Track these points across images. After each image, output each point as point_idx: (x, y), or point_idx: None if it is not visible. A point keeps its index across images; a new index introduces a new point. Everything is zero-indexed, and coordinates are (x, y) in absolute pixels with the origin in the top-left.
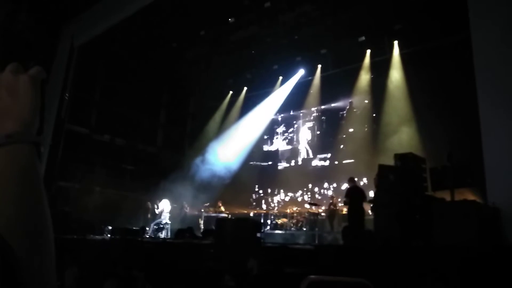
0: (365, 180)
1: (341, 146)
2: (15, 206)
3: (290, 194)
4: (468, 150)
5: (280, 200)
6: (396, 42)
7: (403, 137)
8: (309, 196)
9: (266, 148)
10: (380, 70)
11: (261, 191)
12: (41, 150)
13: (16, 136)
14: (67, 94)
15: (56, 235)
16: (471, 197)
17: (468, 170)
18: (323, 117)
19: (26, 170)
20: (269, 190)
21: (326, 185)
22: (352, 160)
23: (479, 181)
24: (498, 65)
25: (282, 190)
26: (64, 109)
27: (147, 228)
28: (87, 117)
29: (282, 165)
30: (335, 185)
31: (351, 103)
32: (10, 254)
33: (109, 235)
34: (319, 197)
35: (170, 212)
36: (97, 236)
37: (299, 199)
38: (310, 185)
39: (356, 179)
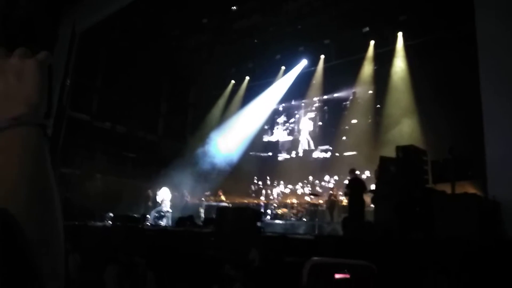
0: (367, 173)
1: (343, 138)
2: (25, 188)
3: (290, 186)
4: (470, 143)
5: (279, 192)
6: (400, 34)
7: (405, 129)
8: (310, 188)
9: (266, 138)
10: (384, 61)
11: (260, 183)
12: (48, 132)
13: (23, 118)
14: (68, 81)
15: None
16: (471, 190)
17: (470, 163)
18: (325, 108)
19: (34, 152)
20: (269, 182)
21: (327, 177)
22: (354, 153)
23: (480, 174)
24: (502, 58)
25: (282, 182)
26: (65, 96)
27: (148, 216)
28: (88, 104)
29: (282, 156)
30: (336, 177)
31: (354, 93)
32: (22, 237)
33: (110, 222)
34: (320, 190)
35: (171, 201)
36: (98, 223)
37: (299, 191)
38: (310, 177)
39: (357, 172)
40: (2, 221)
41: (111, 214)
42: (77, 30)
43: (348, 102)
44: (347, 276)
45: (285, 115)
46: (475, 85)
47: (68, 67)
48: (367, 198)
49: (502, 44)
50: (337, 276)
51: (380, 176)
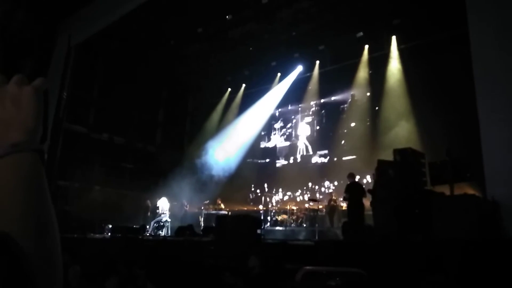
0: (368, 178)
1: (342, 142)
2: (23, 212)
3: (289, 193)
4: (467, 144)
5: (279, 200)
6: (394, 37)
7: (402, 132)
8: (309, 195)
9: (263, 144)
10: (379, 65)
11: (258, 190)
12: (45, 157)
13: (21, 145)
14: (65, 93)
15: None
16: (470, 191)
17: (467, 165)
18: (322, 111)
19: (32, 178)
20: (267, 189)
21: (326, 183)
22: (354, 157)
23: (478, 175)
24: (496, 59)
25: (280, 189)
26: (62, 108)
27: (147, 226)
28: (85, 116)
29: (280, 162)
30: (336, 183)
31: (353, 95)
32: (20, 253)
33: (109, 234)
34: (320, 196)
35: (170, 210)
36: (97, 235)
37: (298, 198)
38: (310, 184)
39: (358, 177)
40: (4, 245)
41: (110, 226)
42: (73, 42)
43: (346, 105)
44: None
45: (282, 120)
46: (470, 86)
47: (65, 79)
48: (367, 202)
49: (495, 46)
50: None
51: (378, 179)
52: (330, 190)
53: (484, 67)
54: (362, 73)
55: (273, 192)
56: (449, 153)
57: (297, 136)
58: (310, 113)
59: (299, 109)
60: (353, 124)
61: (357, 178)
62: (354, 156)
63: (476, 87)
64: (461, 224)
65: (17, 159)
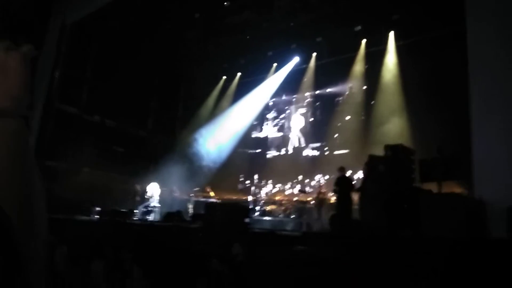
0: (361, 173)
1: (336, 135)
2: (10, 177)
3: (278, 185)
4: (458, 143)
5: (268, 192)
6: (392, 33)
7: (395, 128)
8: (299, 188)
9: (255, 134)
10: (375, 60)
11: (248, 181)
12: (30, 124)
13: (6, 111)
14: (57, 73)
15: None
16: (458, 190)
17: (457, 163)
18: (317, 103)
19: (17, 143)
20: (257, 180)
21: (317, 177)
22: (347, 151)
23: (467, 174)
24: (493, 59)
25: (270, 181)
26: (54, 88)
27: (136, 211)
28: (77, 96)
29: (271, 153)
30: (328, 177)
31: (350, 88)
32: (4, 217)
33: (97, 216)
34: (310, 190)
35: (160, 196)
36: (84, 217)
37: (288, 192)
38: (300, 177)
39: (350, 171)
40: None
41: (98, 208)
42: (68, 22)
43: (341, 98)
44: None
45: (275, 111)
46: (464, 85)
47: (58, 58)
48: (356, 196)
49: (492, 44)
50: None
51: (368, 174)
52: (321, 184)
53: (480, 66)
54: (359, 67)
55: (263, 183)
56: (440, 151)
57: (289, 127)
58: (305, 104)
59: (293, 100)
60: (348, 118)
61: (349, 173)
62: (347, 150)
63: (471, 86)
64: (448, 222)
65: (2, 125)
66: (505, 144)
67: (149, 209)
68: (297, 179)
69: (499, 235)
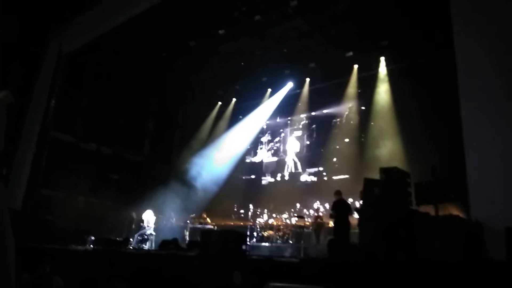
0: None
1: (334, 159)
2: None
3: (274, 215)
4: (453, 165)
5: (263, 222)
6: (383, 58)
7: (390, 151)
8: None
9: (249, 159)
10: (368, 84)
11: (242, 211)
12: (3, 171)
13: None
14: (53, 101)
15: (38, 244)
16: (455, 211)
17: (452, 185)
18: (313, 126)
19: None
20: (252, 209)
21: (316, 204)
22: (346, 176)
23: (463, 196)
24: (482, 83)
25: (266, 210)
26: (49, 116)
27: (131, 239)
28: (73, 125)
29: (266, 179)
30: (327, 205)
31: (349, 108)
32: None
33: (91, 246)
34: (309, 219)
35: (156, 223)
36: (79, 247)
37: (285, 216)
38: (298, 205)
39: (351, 200)
40: None
41: (93, 237)
42: (64, 51)
43: (338, 120)
44: None
45: (269, 134)
46: (455, 107)
47: (54, 87)
48: (353, 220)
49: (481, 67)
50: None
51: (364, 197)
52: (320, 213)
53: (470, 89)
54: (351, 91)
55: (258, 213)
56: (435, 173)
57: (285, 152)
58: (300, 126)
59: (288, 122)
60: (346, 140)
61: (350, 200)
62: (346, 176)
63: (462, 108)
64: (445, 245)
65: None
66: (499, 165)
67: (145, 237)
68: (295, 207)
69: (497, 257)
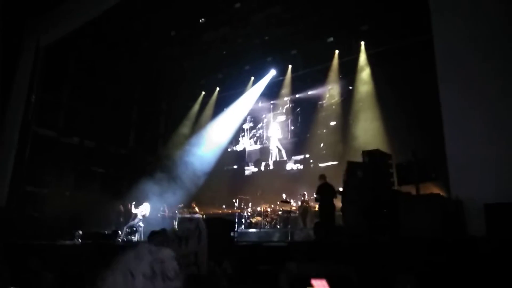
0: None
1: (321, 145)
2: None
3: (259, 209)
4: (432, 145)
5: (250, 210)
6: (363, 43)
7: (372, 134)
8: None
9: (230, 148)
10: (349, 70)
11: (229, 199)
12: None
13: None
14: (33, 96)
15: (25, 240)
16: (435, 190)
17: (432, 165)
18: (298, 109)
19: None
20: (238, 198)
21: (305, 196)
22: (335, 163)
23: (443, 175)
24: (458, 64)
25: (250, 204)
26: (30, 112)
27: (119, 232)
28: (54, 119)
29: (249, 169)
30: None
31: (333, 90)
32: None
33: (80, 240)
34: (294, 204)
35: (143, 215)
36: (67, 241)
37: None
38: (284, 195)
39: (341, 189)
40: None
41: (81, 232)
42: (43, 44)
43: (324, 102)
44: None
45: (251, 120)
46: (434, 90)
47: (33, 82)
48: (338, 202)
49: (458, 50)
50: (314, 281)
51: (348, 180)
52: (304, 193)
53: (447, 71)
54: (333, 77)
55: (242, 206)
56: (415, 154)
57: (268, 138)
58: (284, 111)
59: (271, 106)
60: (333, 123)
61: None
62: (335, 162)
63: (440, 90)
64: (427, 223)
65: None
66: (477, 143)
67: (133, 229)
68: (281, 198)
69: (477, 233)
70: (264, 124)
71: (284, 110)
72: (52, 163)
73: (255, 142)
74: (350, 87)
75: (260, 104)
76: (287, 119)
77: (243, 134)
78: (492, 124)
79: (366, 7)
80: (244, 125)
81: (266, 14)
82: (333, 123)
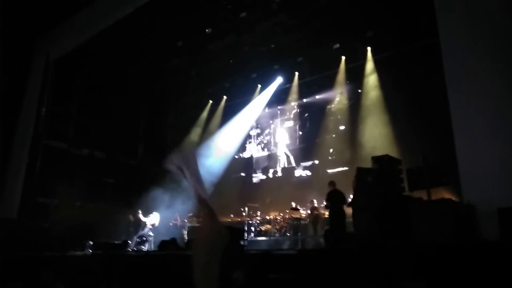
0: None
1: (331, 150)
2: None
3: (268, 217)
4: (442, 150)
5: (260, 217)
6: (369, 49)
7: (381, 140)
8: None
9: (237, 155)
10: (356, 75)
11: (239, 207)
12: None
13: None
14: (43, 109)
15: (37, 252)
16: (447, 195)
17: (443, 170)
18: (305, 114)
19: None
20: (248, 206)
21: (313, 202)
22: (345, 168)
23: (454, 179)
24: (466, 68)
25: (259, 212)
26: (41, 125)
27: (129, 242)
28: (65, 131)
29: (257, 176)
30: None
31: (350, 89)
32: None
33: (90, 251)
34: (304, 212)
35: (153, 225)
36: (78, 252)
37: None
38: (293, 204)
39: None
40: None
41: (91, 242)
42: (52, 58)
43: (332, 106)
44: None
45: (258, 126)
46: (443, 94)
47: (43, 95)
48: (349, 209)
49: (465, 53)
50: None
51: (357, 187)
52: (314, 200)
53: (455, 75)
54: (340, 83)
55: (252, 214)
56: (425, 159)
57: (276, 145)
58: (291, 116)
59: (278, 112)
60: (342, 128)
61: (351, 196)
62: (345, 168)
63: (449, 94)
64: (439, 228)
65: None
66: (488, 147)
67: (143, 238)
68: (291, 207)
69: (491, 238)
70: (271, 130)
71: (291, 116)
72: (62, 174)
73: (263, 149)
74: (359, 90)
75: (267, 110)
76: (295, 125)
77: (250, 140)
78: (502, 127)
79: (371, 12)
80: (251, 131)
81: (272, 22)
82: (342, 127)
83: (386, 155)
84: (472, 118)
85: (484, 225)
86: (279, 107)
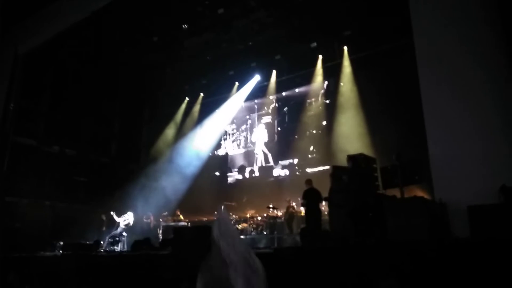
0: None
1: (311, 148)
2: None
3: (245, 215)
4: (415, 148)
5: (236, 216)
6: (346, 48)
7: (357, 139)
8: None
9: (212, 153)
10: (332, 74)
11: (215, 206)
12: None
13: None
14: (11, 105)
15: (4, 253)
16: (420, 193)
17: (415, 168)
18: (284, 108)
19: None
20: (224, 204)
21: (290, 202)
22: (326, 167)
23: (426, 178)
24: (440, 68)
25: (236, 210)
26: (9, 120)
27: (102, 242)
28: (34, 128)
29: (233, 176)
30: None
31: (328, 86)
32: None
33: (60, 251)
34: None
35: (126, 224)
36: (47, 253)
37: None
38: (271, 205)
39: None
40: None
41: (61, 243)
42: (20, 52)
43: (313, 99)
44: None
45: (234, 122)
46: (416, 93)
47: (11, 90)
48: (325, 207)
49: (439, 54)
50: None
51: (333, 185)
52: (290, 198)
53: (428, 75)
54: (317, 82)
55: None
56: (399, 157)
57: (253, 142)
58: (270, 111)
59: (256, 106)
60: (325, 123)
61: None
62: (326, 167)
63: (422, 93)
64: (412, 226)
65: None
66: (459, 146)
67: (116, 239)
68: (268, 205)
69: (461, 235)
70: (248, 126)
71: (269, 110)
72: (32, 172)
73: (239, 146)
74: (335, 88)
75: (244, 104)
76: (273, 120)
77: (225, 137)
78: (473, 126)
79: (348, 12)
80: (226, 127)
81: (250, 19)
82: (324, 123)
83: (361, 154)
84: (444, 118)
85: (455, 223)
86: (256, 101)
